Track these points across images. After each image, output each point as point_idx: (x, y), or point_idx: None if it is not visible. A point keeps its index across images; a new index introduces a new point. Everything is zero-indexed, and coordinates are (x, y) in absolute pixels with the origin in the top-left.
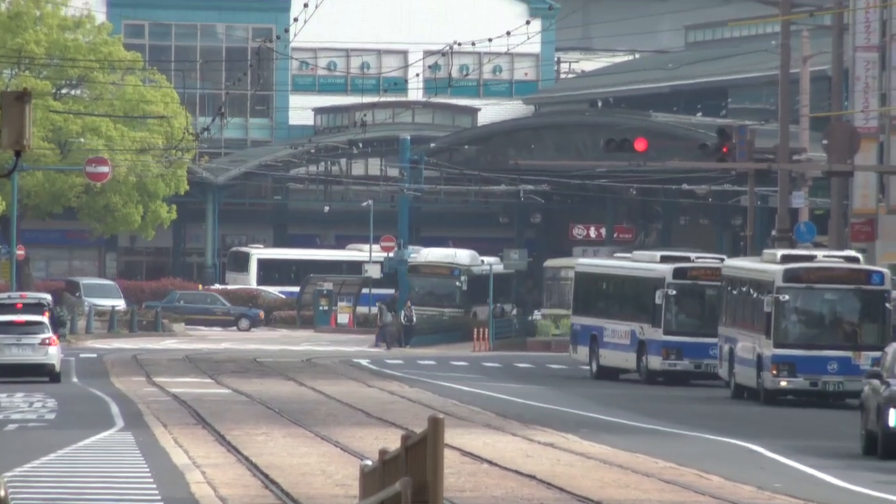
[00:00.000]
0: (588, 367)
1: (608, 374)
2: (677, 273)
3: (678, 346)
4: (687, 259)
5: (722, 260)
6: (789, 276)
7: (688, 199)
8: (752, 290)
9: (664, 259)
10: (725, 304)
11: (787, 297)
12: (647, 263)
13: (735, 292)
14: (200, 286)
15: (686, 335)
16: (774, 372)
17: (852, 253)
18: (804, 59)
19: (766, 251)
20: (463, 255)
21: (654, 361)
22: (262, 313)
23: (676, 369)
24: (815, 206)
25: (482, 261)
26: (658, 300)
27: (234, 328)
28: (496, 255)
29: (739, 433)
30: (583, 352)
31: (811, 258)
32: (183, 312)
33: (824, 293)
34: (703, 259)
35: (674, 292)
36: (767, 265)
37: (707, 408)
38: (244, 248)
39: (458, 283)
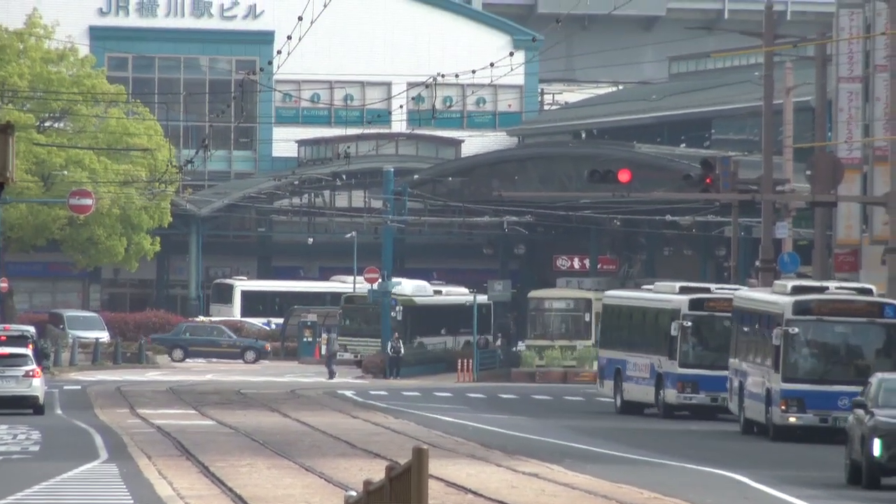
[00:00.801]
0: (613, 402)
1: (632, 409)
2: (693, 304)
3: (694, 380)
4: (705, 290)
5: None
6: (799, 307)
7: (672, 230)
8: (761, 323)
9: (683, 290)
10: (736, 337)
11: (796, 329)
12: (665, 295)
13: (745, 324)
14: (194, 318)
15: (702, 368)
16: (783, 407)
17: (866, 285)
18: (787, 90)
19: (776, 282)
20: (407, 286)
21: (671, 395)
22: (267, 345)
23: (692, 403)
24: (799, 237)
25: (440, 291)
26: (674, 332)
27: (241, 360)
28: (482, 286)
29: (725, 464)
30: (608, 386)
31: (822, 289)
32: (189, 345)
33: (835, 326)
34: (722, 290)
35: (689, 324)
36: (777, 297)
37: (706, 442)
38: (228, 280)
39: (392, 314)
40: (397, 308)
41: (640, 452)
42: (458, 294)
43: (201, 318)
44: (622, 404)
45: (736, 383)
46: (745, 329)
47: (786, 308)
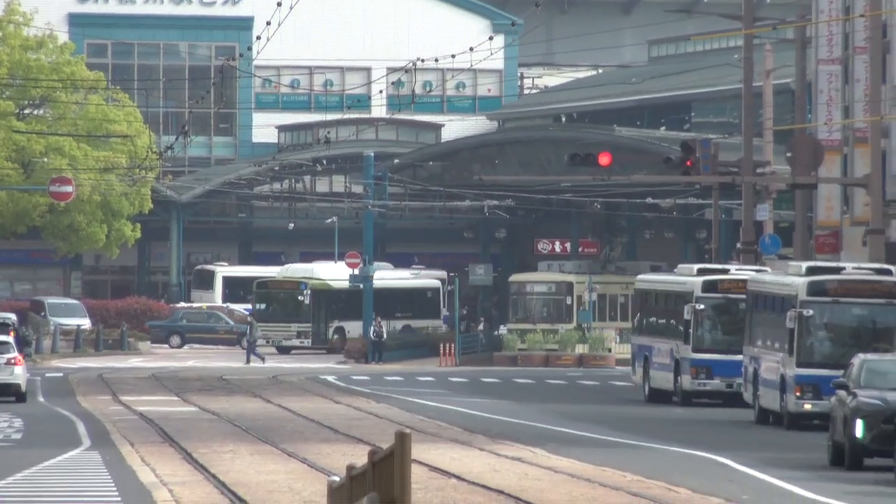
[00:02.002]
0: (642, 389)
1: (660, 397)
2: (706, 286)
3: (707, 365)
4: (722, 272)
5: (765, 272)
6: (814, 288)
7: (652, 213)
8: (775, 306)
9: (700, 272)
10: (750, 322)
11: (811, 311)
12: (682, 277)
13: (759, 308)
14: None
15: (716, 352)
16: (798, 394)
17: (885, 265)
18: (767, 72)
19: (791, 263)
20: (322, 269)
21: (686, 381)
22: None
23: (707, 389)
24: (780, 219)
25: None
26: (686, 315)
27: (238, 346)
28: (464, 270)
29: (709, 446)
30: (639, 373)
31: (838, 270)
32: (186, 331)
33: (852, 307)
34: (741, 271)
35: (702, 307)
36: (791, 278)
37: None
38: (209, 266)
39: (300, 298)
40: (305, 292)
41: (625, 436)
42: (397, 277)
43: (182, 304)
44: (650, 392)
45: (750, 371)
46: (759, 313)
47: (800, 289)
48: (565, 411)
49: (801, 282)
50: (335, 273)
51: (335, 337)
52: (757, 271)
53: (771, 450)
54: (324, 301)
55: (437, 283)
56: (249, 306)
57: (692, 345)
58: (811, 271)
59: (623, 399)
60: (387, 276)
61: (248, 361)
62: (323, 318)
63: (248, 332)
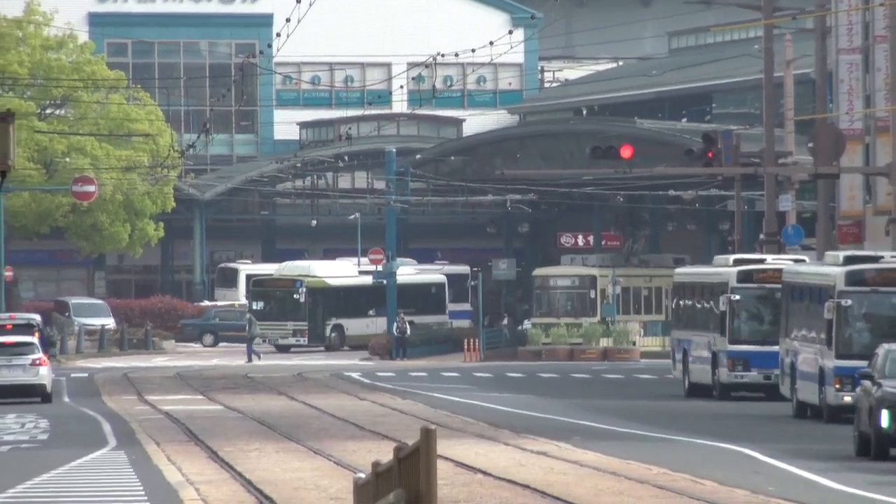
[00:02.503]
0: (682, 384)
1: (699, 392)
2: (742, 276)
3: (744, 356)
4: (758, 262)
5: (802, 262)
6: (852, 278)
7: (675, 205)
8: (812, 296)
9: (736, 262)
10: (787, 314)
11: (849, 301)
12: (718, 269)
13: (796, 299)
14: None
15: (753, 344)
16: (837, 386)
17: None
18: (787, 62)
19: (827, 253)
20: (319, 267)
21: (723, 374)
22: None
23: (744, 381)
24: (802, 209)
25: (356, 271)
26: (722, 306)
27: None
28: (486, 265)
29: (737, 439)
30: (678, 368)
31: (877, 259)
32: (219, 329)
33: (891, 297)
34: (778, 261)
35: (737, 297)
36: (828, 268)
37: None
38: (232, 264)
39: (296, 296)
40: (301, 290)
41: (644, 428)
42: (400, 273)
43: (206, 302)
44: (689, 386)
45: (787, 363)
46: (796, 304)
47: (837, 279)
48: (591, 405)
49: (839, 271)
50: (333, 270)
51: (333, 335)
52: (795, 261)
53: (800, 442)
54: (321, 299)
55: (441, 279)
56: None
57: (728, 336)
58: (849, 260)
59: (663, 394)
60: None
61: (249, 359)
62: (320, 316)
63: (247, 329)
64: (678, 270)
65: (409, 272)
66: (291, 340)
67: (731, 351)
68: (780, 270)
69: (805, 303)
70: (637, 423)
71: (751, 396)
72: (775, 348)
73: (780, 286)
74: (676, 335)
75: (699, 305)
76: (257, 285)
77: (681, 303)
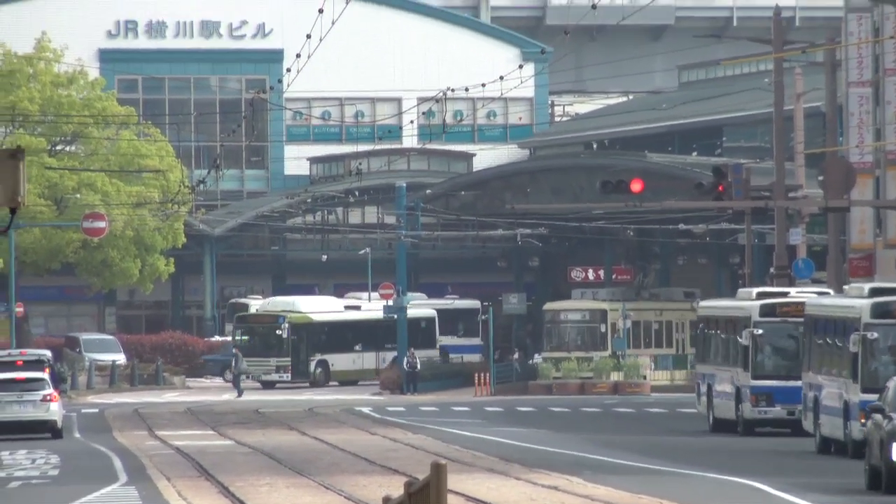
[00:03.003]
0: (707, 419)
1: (724, 427)
2: (764, 310)
3: (768, 392)
4: (781, 295)
5: (826, 295)
6: (879, 310)
7: (685, 239)
8: (836, 329)
9: (759, 296)
10: (810, 347)
11: (875, 334)
12: (741, 302)
13: (819, 332)
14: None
15: (777, 379)
16: (863, 421)
17: None
18: (798, 95)
19: (851, 285)
20: (303, 302)
21: (747, 409)
22: None
23: (768, 417)
24: (813, 243)
25: (357, 306)
26: (744, 340)
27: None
28: (497, 299)
29: (746, 472)
30: (703, 402)
31: None
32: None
33: None
34: (802, 294)
35: (760, 332)
36: (853, 300)
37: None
38: (243, 300)
39: (278, 332)
40: (284, 325)
41: (656, 463)
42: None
43: (217, 337)
44: (714, 422)
45: (810, 398)
46: (819, 337)
47: (863, 311)
48: (602, 440)
49: (864, 304)
50: (317, 306)
51: (318, 371)
52: (819, 293)
53: (817, 476)
54: (304, 334)
55: (432, 314)
56: None
57: (751, 371)
58: (875, 292)
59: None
60: (375, 308)
61: (239, 395)
62: (304, 352)
63: (233, 364)
64: (703, 303)
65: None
66: (275, 376)
67: (755, 386)
68: (803, 304)
69: (829, 336)
70: (651, 458)
71: (776, 432)
72: (800, 383)
73: (803, 320)
74: (701, 369)
75: (723, 339)
76: (241, 321)
77: (705, 336)
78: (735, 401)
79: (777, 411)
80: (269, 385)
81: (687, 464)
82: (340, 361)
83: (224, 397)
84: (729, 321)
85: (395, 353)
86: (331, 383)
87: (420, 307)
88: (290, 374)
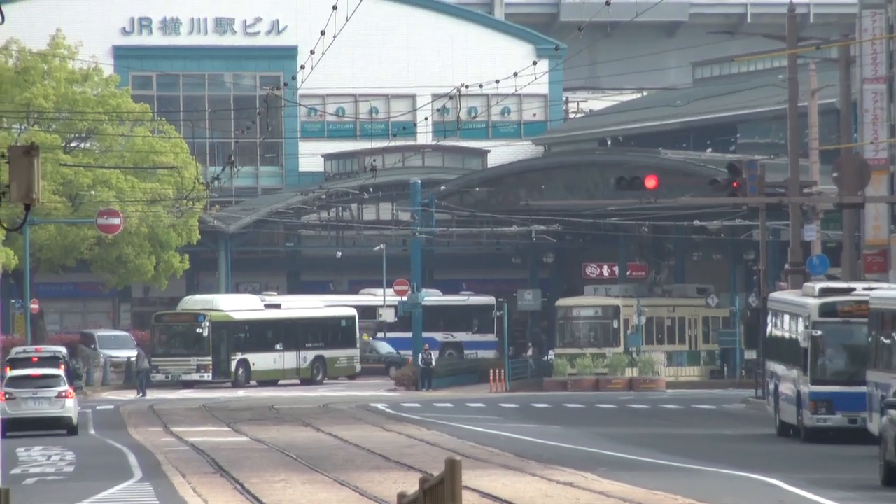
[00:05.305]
0: (774, 422)
1: (791, 432)
2: (824, 310)
3: (828, 398)
4: (844, 291)
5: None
6: None
7: (700, 235)
8: None
9: (822, 292)
10: (875, 345)
11: None
12: (803, 298)
13: (885, 329)
14: None
15: (838, 384)
16: None
17: None
18: (812, 92)
19: None
20: (224, 301)
21: (806, 416)
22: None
23: (827, 425)
24: (827, 239)
25: (277, 304)
26: (803, 342)
27: (386, 376)
28: (512, 296)
29: (760, 467)
30: (772, 403)
31: None
32: None
33: None
34: (869, 290)
35: (820, 333)
36: None
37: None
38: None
39: (199, 331)
40: (204, 324)
41: (670, 458)
42: (306, 307)
43: None
44: (780, 425)
45: (877, 398)
46: (885, 335)
47: None
48: (618, 434)
49: None
50: (238, 304)
51: (240, 371)
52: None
53: (823, 471)
54: (225, 333)
55: (352, 313)
56: None
57: (811, 376)
58: None
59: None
60: (296, 306)
61: (143, 393)
62: (224, 351)
63: (135, 362)
64: (773, 295)
65: (315, 306)
66: (195, 376)
67: (814, 392)
68: (866, 303)
69: (895, 332)
70: (667, 455)
71: (839, 438)
72: (863, 389)
73: (867, 320)
74: (770, 367)
75: (786, 337)
76: (159, 320)
77: (773, 332)
78: (797, 406)
79: (838, 419)
80: (188, 385)
81: (703, 460)
82: (261, 361)
83: (239, 394)
84: (792, 318)
85: (315, 353)
86: (251, 383)
87: (339, 306)
88: (211, 374)
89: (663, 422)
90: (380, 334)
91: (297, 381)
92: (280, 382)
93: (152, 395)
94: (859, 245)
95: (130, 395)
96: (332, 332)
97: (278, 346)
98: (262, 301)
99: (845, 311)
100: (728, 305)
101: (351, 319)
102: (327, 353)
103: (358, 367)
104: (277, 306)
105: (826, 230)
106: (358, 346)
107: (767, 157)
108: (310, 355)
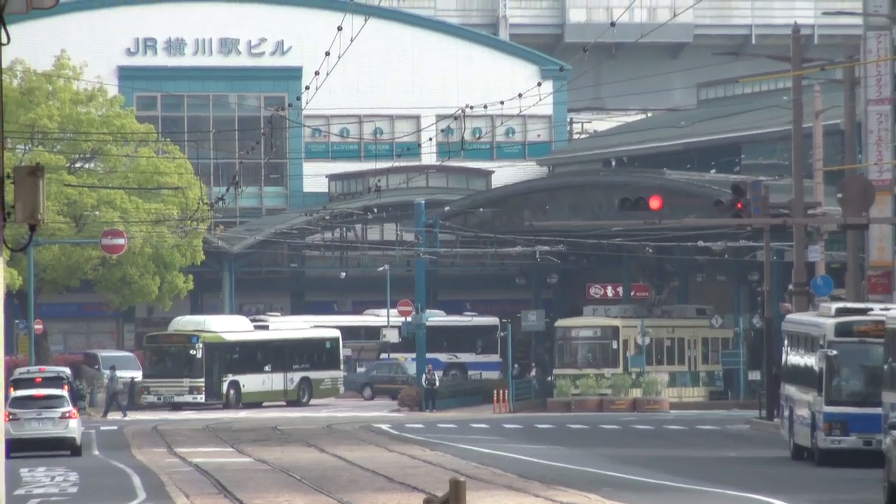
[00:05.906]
0: (788, 444)
1: (805, 455)
2: (840, 329)
3: (842, 419)
4: (860, 312)
5: None
6: None
7: (704, 256)
8: None
9: (838, 312)
10: (892, 365)
11: None
12: (818, 318)
13: None
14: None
15: (853, 405)
16: None
17: None
18: (816, 113)
19: None
20: (215, 322)
21: (820, 438)
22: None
23: (842, 447)
24: (832, 260)
25: (265, 325)
26: (818, 362)
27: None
28: (516, 316)
29: (766, 489)
30: (786, 425)
31: None
32: (375, 382)
33: None
34: (886, 311)
35: (835, 353)
36: None
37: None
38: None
39: (192, 352)
40: (197, 345)
41: (675, 479)
42: (293, 328)
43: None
44: (794, 448)
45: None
46: None
47: None
48: (623, 456)
49: None
50: (229, 325)
51: (231, 392)
52: None
53: (827, 492)
54: (217, 355)
55: (336, 334)
56: None
57: (825, 397)
58: None
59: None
60: (283, 327)
61: (106, 413)
62: (216, 373)
63: (108, 382)
64: (788, 317)
65: (301, 327)
66: (188, 398)
67: (828, 413)
68: (883, 322)
69: None
70: (670, 475)
71: (854, 461)
72: (878, 410)
73: (883, 341)
74: (784, 391)
75: (800, 358)
76: (151, 341)
77: (788, 354)
78: (811, 428)
79: (852, 441)
80: (177, 407)
81: (709, 481)
82: (251, 382)
83: (242, 415)
84: (806, 339)
85: (301, 374)
86: (240, 405)
87: (323, 327)
88: (203, 395)
89: (667, 443)
90: (383, 355)
91: (284, 403)
92: (264, 404)
93: (143, 416)
94: (863, 266)
95: (136, 415)
96: (317, 353)
97: (267, 368)
98: (251, 322)
99: (861, 331)
100: (732, 326)
101: (335, 341)
102: (312, 375)
103: (341, 389)
104: (265, 327)
105: (830, 251)
106: (342, 367)
107: (772, 178)
108: (296, 377)
